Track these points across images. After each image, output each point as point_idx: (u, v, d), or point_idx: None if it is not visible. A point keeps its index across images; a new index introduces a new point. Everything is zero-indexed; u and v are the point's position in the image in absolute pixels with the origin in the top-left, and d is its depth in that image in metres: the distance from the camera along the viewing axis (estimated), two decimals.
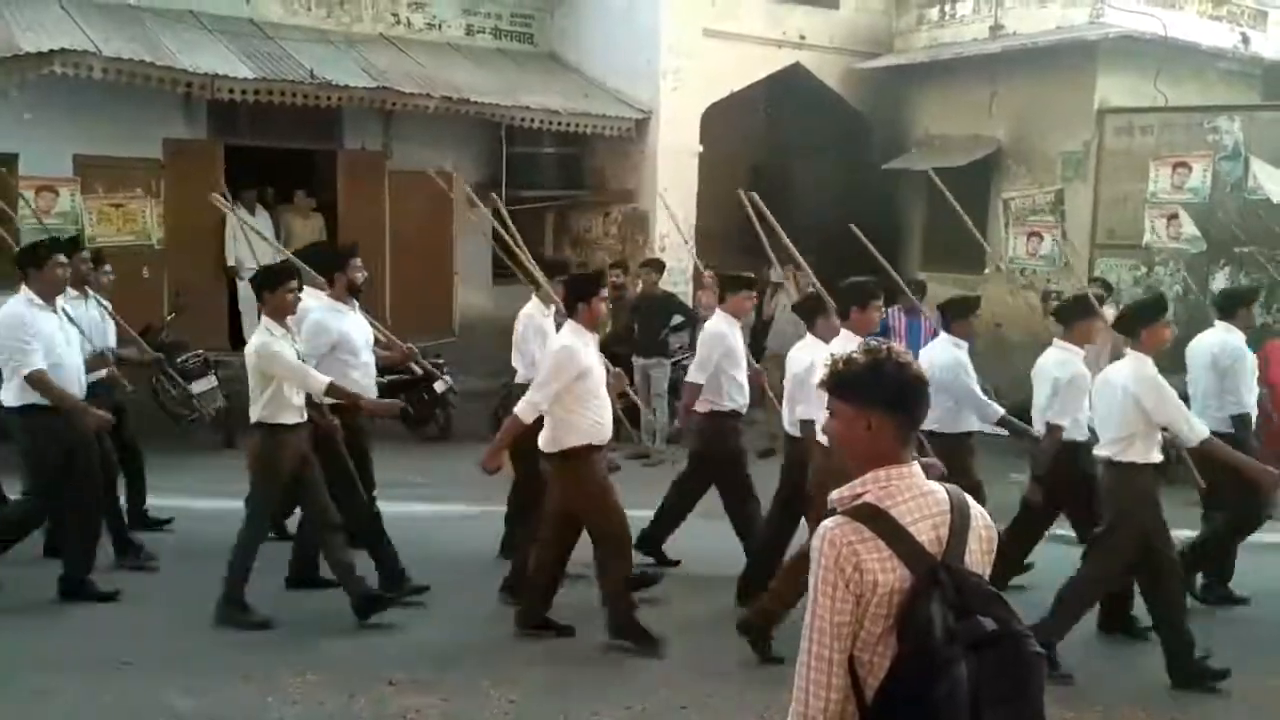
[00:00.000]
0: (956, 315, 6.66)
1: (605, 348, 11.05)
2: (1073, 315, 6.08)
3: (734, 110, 13.15)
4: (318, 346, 6.11)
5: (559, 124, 12.36)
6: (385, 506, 6.66)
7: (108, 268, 7.61)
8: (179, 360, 9.97)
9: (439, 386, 10.58)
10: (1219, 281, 10.86)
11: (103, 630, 5.58)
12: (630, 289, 11.26)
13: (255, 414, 5.66)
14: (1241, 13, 13.57)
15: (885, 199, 13.71)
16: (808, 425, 5.74)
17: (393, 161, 12.76)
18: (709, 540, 6.97)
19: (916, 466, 2.33)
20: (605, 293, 5.75)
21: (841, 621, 2.18)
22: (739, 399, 6.70)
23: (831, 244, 13.40)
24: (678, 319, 10.69)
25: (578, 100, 12.67)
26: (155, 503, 7.45)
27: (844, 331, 5.72)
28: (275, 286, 5.69)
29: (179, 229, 11.10)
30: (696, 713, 4.85)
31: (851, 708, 2.21)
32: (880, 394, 2.29)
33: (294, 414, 5.68)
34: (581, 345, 5.46)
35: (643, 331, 10.31)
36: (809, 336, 6.22)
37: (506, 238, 7.38)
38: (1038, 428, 5.99)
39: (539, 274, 7.08)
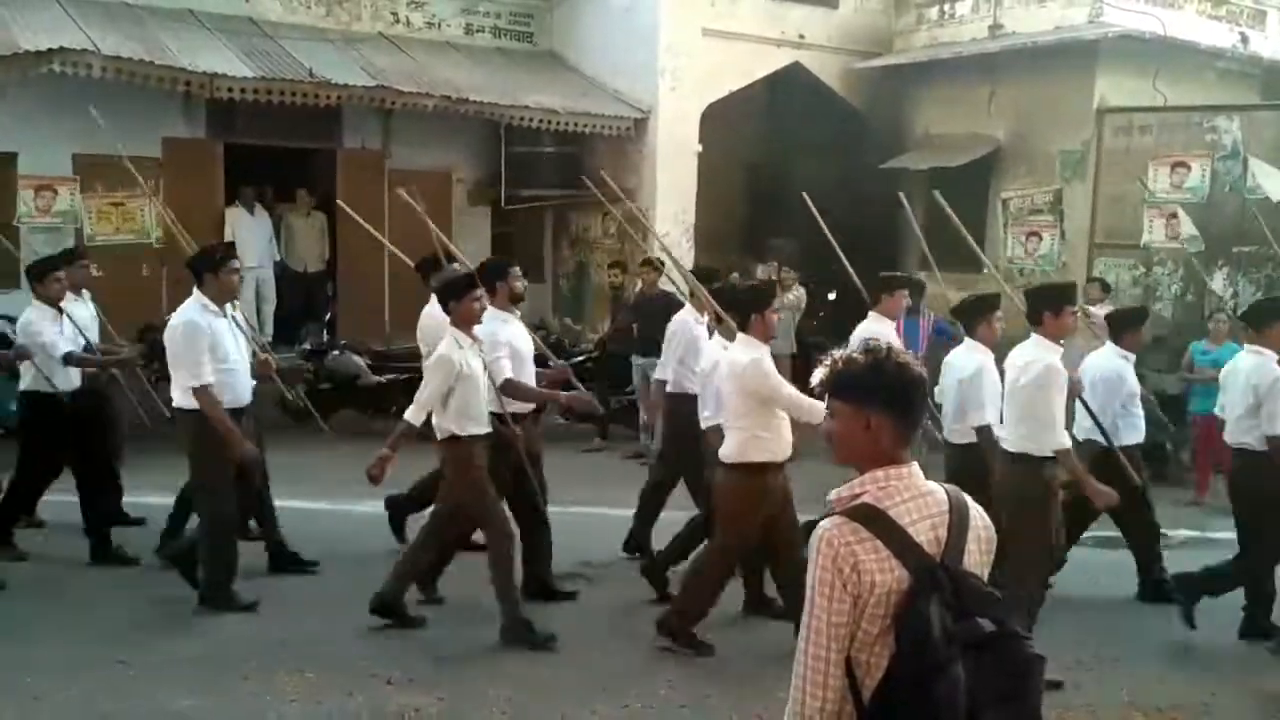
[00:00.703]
0: (1126, 327, 6.55)
1: (604, 347, 11.20)
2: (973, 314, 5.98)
3: (733, 109, 13.15)
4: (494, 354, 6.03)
5: (558, 123, 12.36)
6: (369, 505, 6.72)
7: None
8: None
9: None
10: (1217, 281, 10.86)
11: (99, 631, 5.58)
12: (629, 288, 11.25)
13: (445, 426, 5.57)
14: (1240, 12, 13.58)
15: (884, 198, 13.70)
16: (985, 432, 5.64)
17: (392, 160, 12.76)
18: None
19: (916, 467, 2.33)
20: (775, 304, 5.77)
21: (839, 622, 2.18)
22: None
23: (829, 243, 13.42)
24: None
25: (577, 100, 12.68)
26: (151, 500, 7.44)
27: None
28: (461, 296, 5.65)
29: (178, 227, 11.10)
30: (695, 712, 4.85)
31: (849, 708, 2.20)
32: (880, 394, 2.29)
33: (480, 425, 5.60)
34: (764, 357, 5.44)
35: (642, 331, 10.30)
36: (968, 340, 6.01)
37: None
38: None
39: (694, 282, 7.09)
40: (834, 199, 13.62)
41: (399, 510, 7.02)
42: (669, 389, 6.90)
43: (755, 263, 12.76)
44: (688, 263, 12.69)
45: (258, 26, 12.07)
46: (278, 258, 12.45)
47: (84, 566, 6.44)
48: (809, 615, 2.21)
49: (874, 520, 2.22)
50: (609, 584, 6.54)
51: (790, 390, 5.32)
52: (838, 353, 2.37)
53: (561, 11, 13.94)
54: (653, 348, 10.27)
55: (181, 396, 5.72)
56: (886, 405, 2.28)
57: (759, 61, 13.19)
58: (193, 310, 5.82)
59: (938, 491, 2.32)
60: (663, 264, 11.10)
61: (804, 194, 7.97)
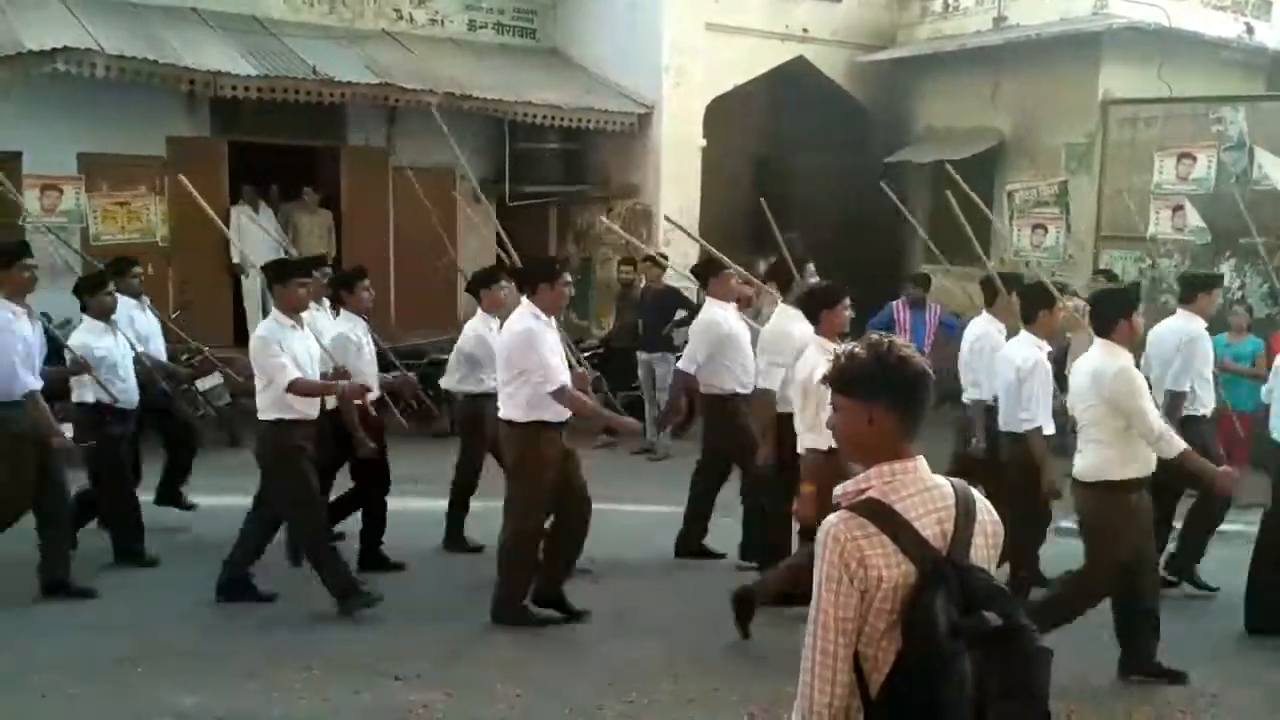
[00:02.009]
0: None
1: (609, 342, 11.19)
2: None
3: (737, 104, 13.13)
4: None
5: (562, 119, 12.35)
6: (392, 502, 6.70)
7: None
8: (184, 357, 9.98)
9: (444, 383, 10.57)
10: (1225, 272, 10.82)
11: (106, 628, 5.59)
12: (636, 284, 11.25)
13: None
14: (1245, 3, 13.51)
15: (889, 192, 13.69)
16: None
17: (396, 157, 12.77)
18: (716, 534, 7.00)
19: (922, 461, 2.32)
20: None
21: (846, 617, 2.18)
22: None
23: (834, 237, 13.43)
24: (681, 313, 10.67)
25: (580, 96, 12.66)
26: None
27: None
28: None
29: (183, 226, 11.12)
30: (702, 706, 4.85)
31: (856, 703, 2.20)
32: (882, 388, 2.28)
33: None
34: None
35: (647, 326, 10.31)
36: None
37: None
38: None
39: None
40: (838, 193, 13.66)
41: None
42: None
43: (761, 258, 12.72)
44: (692, 260, 12.71)
45: (261, 24, 12.07)
46: (283, 256, 12.43)
47: (91, 565, 6.44)
48: (816, 610, 2.21)
49: (880, 515, 2.22)
50: (615, 579, 6.53)
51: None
52: (846, 347, 2.36)
53: (565, 7, 13.93)
54: (657, 343, 10.32)
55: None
56: (889, 399, 2.28)
57: (763, 56, 13.17)
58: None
59: (944, 485, 2.31)
60: (666, 259, 11.11)
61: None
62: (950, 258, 9.48)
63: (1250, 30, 13.23)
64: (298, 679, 4.98)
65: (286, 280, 5.81)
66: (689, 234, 8.41)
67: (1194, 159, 10.63)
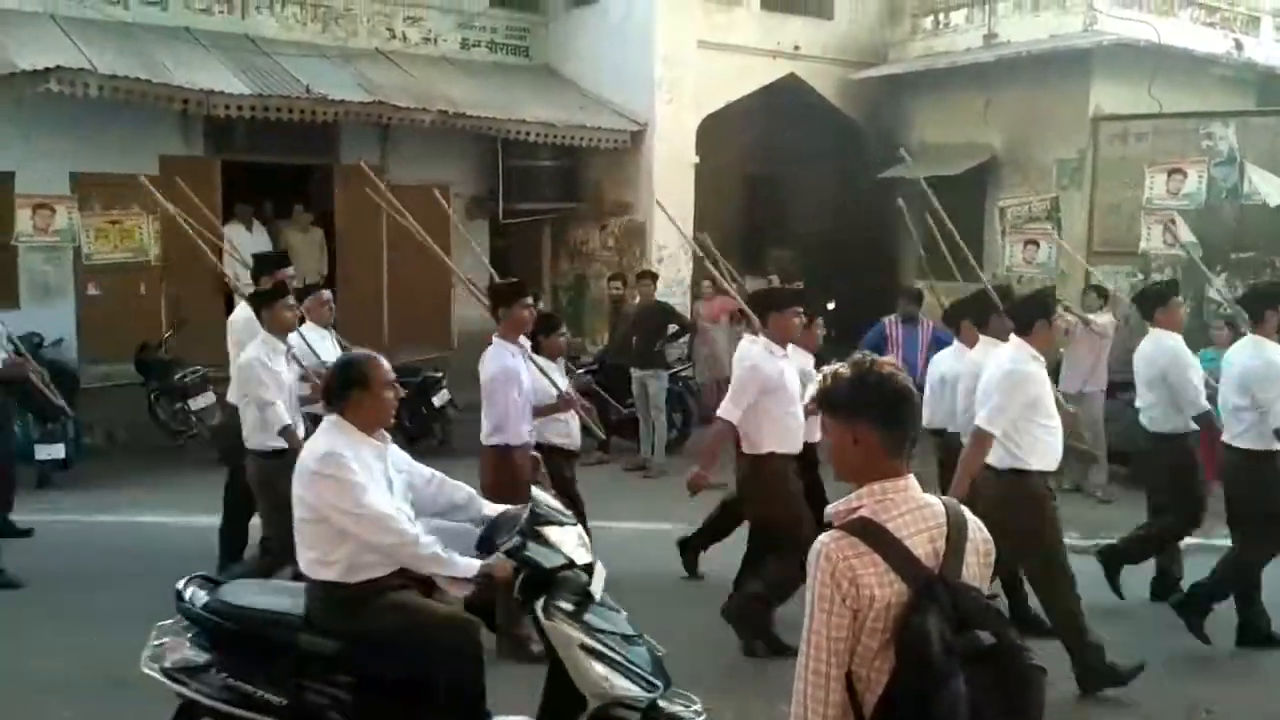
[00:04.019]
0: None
1: (602, 360, 11.19)
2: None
3: (730, 121, 13.18)
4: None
5: (555, 137, 12.39)
6: None
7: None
8: (177, 376, 9.97)
9: (438, 400, 10.58)
10: (1217, 287, 10.85)
11: (96, 649, 5.54)
12: (628, 300, 11.26)
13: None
14: (1234, 19, 13.63)
15: (881, 208, 13.73)
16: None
17: (389, 175, 12.76)
18: (714, 550, 6.98)
19: (913, 479, 2.33)
20: None
21: (838, 637, 2.18)
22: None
23: (827, 253, 13.47)
24: (674, 329, 10.69)
25: (574, 113, 12.71)
26: (149, 519, 7.43)
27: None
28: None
29: (176, 245, 11.11)
30: None
31: None
32: (864, 407, 2.29)
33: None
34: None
35: (640, 343, 10.31)
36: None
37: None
38: None
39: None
40: (831, 209, 13.71)
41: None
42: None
43: (752, 275, 12.75)
44: (685, 276, 12.74)
45: (254, 44, 12.10)
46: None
47: (85, 586, 6.40)
48: (808, 630, 2.21)
49: (872, 534, 2.22)
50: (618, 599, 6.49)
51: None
52: (832, 368, 2.37)
53: (557, 25, 13.99)
54: (650, 359, 10.33)
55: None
56: (871, 418, 2.29)
57: (755, 73, 13.23)
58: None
59: (935, 504, 2.32)
60: (657, 276, 11.13)
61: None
62: (943, 274, 9.51)
63: (1239, 46, 13.34)
64: None
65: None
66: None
67: (1184, 174, 10.70)
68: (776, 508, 5.58)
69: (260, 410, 5.45)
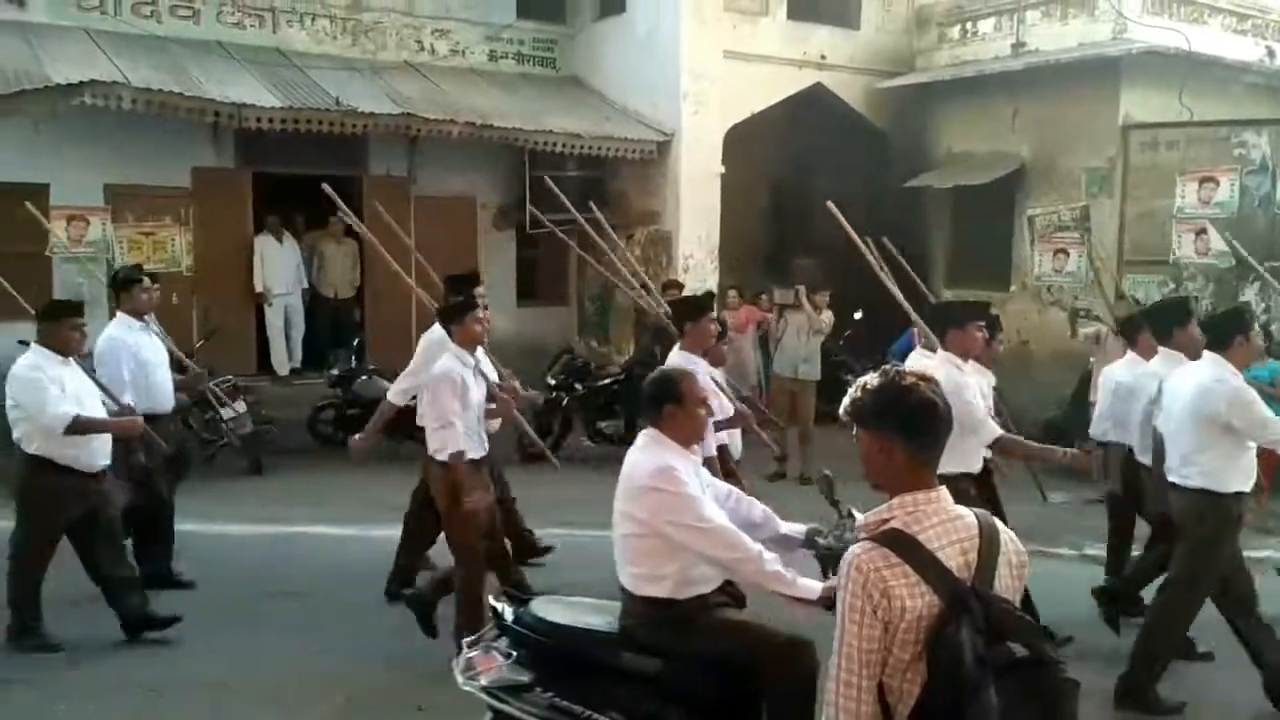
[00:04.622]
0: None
1: (628, 369, 11.20)
2: None
3: (756, 131, 13.19)
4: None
5: (581, 147, 12.44)
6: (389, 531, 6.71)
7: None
8: (208, 386, 10.05)
9: None
10: (1248, 296, 10.75)
11: (127, 657, 5.60)
12: (650, 310, 11.25)
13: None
14: (1266, 26, 13.50)
15: (909, 217, 13.69)
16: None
17: (418, 186, 12.89)
18: None
19: (944, 491, 2.33)
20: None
21: (870, 648, 2.17)
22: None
23: (853, 263, 13.40)
24: None
25: (600, 124, 12.76)
26: (184, 528, 7.47)
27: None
28: (698, 317, 5.78)
29: (208, 256, 11.25)
30: None
31: None
32: (889, 419, 2.31)
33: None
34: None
35: (665, 352, 10.30)
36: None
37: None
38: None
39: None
40: (858, 218, 13.64)
41: None
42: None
43: (777, 285, 12.74)
44: (711, 285, 12.73)
45: (285, 57, 12.23)
46: (305, 285, 12.56)
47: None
48: (839, 642, 2.21)
49: (903, 545, 2.22)
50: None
51: None
52: (862, 379, 2.39)
53: (584, 37, 14.05)
54: None
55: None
56: (897, 429, 2.30)
57: (781, 83, 13.23)
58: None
59: (967, 516, 2.31)
60: (683, 285, 11.13)
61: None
62: (971, 282, 9.46)
63: (1271, 54, 13.21)
64: (321, 709, 4.98)
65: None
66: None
67: (1216, 183, 10.60)
68: None
69: (440, 423, 5.37)
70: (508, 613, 3.70)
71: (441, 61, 13.31)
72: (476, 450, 5.47)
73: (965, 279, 12.92)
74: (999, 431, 5.28)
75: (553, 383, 11.29)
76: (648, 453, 3.65)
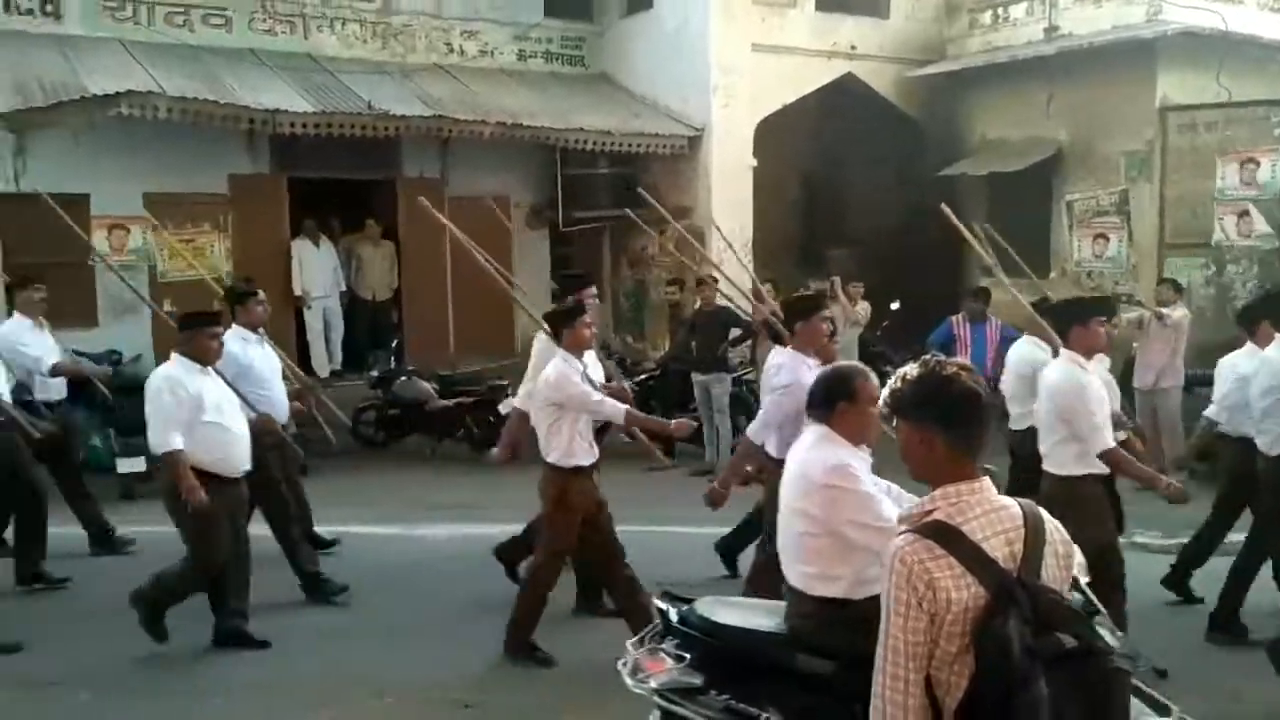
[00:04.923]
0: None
1: (664, 365, 11.21)
2: None
3: (787, 123, 13.14)
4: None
5: (612, 144, 12.44)
6: (452, 527, 6.72)
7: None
8: None
9: (503, 408, 10.67)
10: None
11: (174, 659, 5.67)
12: (686, 305, 11.27)
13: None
14: None
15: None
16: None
17: (450, 187, 12.95)
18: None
19: (988, 481, 2.31)
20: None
21: (916, 641, 2.16)
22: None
23: (889, 252, 13.35)
24: (736, 332, 10.66)
25: (630, 120, 12.76)
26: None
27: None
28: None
29: (246, 261, 11.36)
30: None
31: None
32: (928, 410, 2.30)
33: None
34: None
35: (701, 347, 10.30)
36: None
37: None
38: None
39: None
40: (892, 208, 13.59)
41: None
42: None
43: (813, 276, 12.69)
44: (745, 278, 12.71)
45: (316, 62, 12.32)
46: (343, 287, 12.67)
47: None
48: (885, 634, 2.20)
49: (947, 537, 2.20)
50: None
51: None
52: (901, 370, 2.38)
53: (612, 34, 14.05)
54: (712, 363, 10.31)
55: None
56: (936, 420, 2.29)
57: (811, 74, 13.17)
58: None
59: (1011, 506, 2.30)
60: (716, 280, 11.10)
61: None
62: (1008, 270, 9.37)
63: None
64: (371, 707, 5.02)
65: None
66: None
67: (1257, 163, 10.43)
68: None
69: (554, 427, 5.36)
70: (672, 613, 3.63)
71: (471, 62, 13.36)
72: (587, 456, 5.45)
73: (1002, 267, 12.77)
74: (1111, 443, 5.06)
75: None
76: (820, 450, 3.56)
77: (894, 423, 2.39)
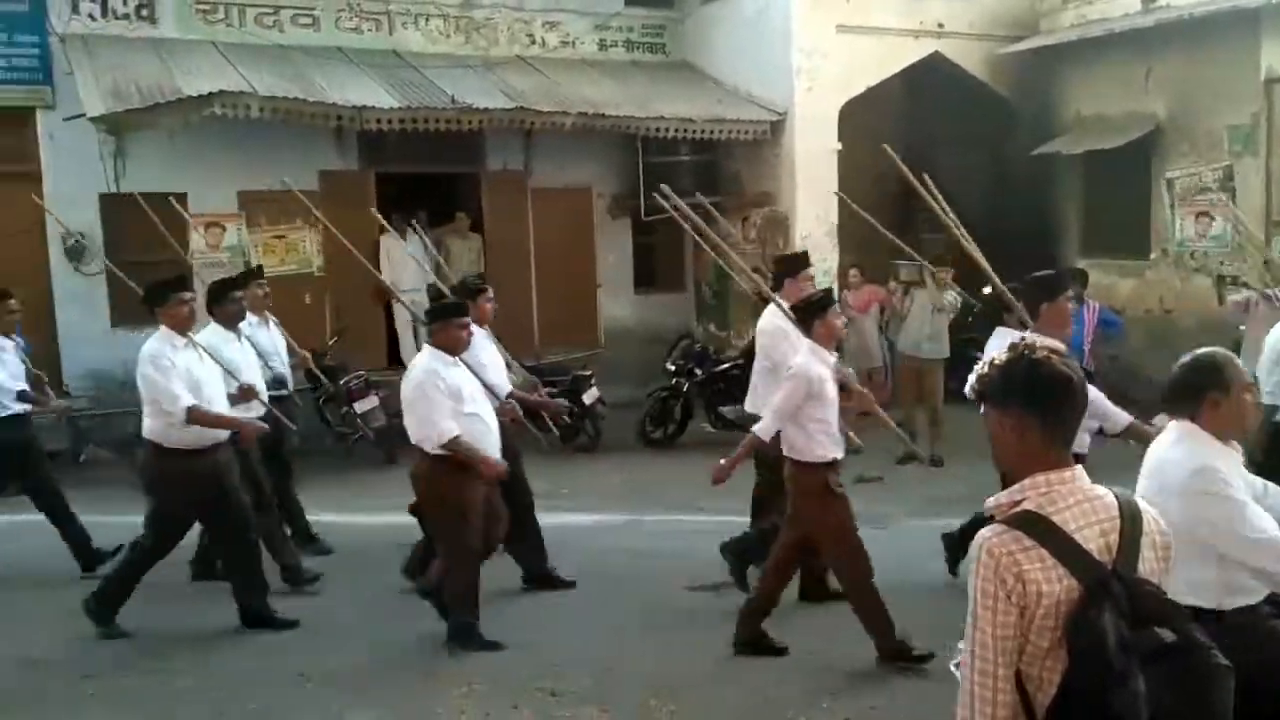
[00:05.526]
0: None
1: (748, 353, 11.11)
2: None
3: (872, 105, 12.90)
4: None
5: (694, 132, 12.37)
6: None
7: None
8: (342, 381, 10.39)
9: (587, 398, 10.72)
10: None
11: (268, 644, 5.82)
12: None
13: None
14: None
15: (1037, 186, 13.22)
16: None
17: (533, 179, 13.04)
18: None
19: (1081, 470, 2.22)
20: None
21: (1005, 635, 2.09)
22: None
23: (981, 234, 12.99)
24: None
25: (712, 107, 12.67)
26: (317, 519, 7.73)
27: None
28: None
29: (337, 256, 11.58)
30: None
31: None
32: (1016, 396, 2.21)
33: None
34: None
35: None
36: None
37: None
38: None
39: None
40: (985, 188, 13.27)
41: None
42: None
43: (903, 260, 12.44)
44: (832, 265, 12.53)
45: (401, 58, 12.49)
46: (432, 280, 12.83)
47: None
48: (972, 629, 2.13)
49: (1038, 528, 2.13)
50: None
51: None
52: (990, 355, 2.30)
53: (693, 20, 13.96)
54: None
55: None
56: (1024, 406, 2.20)
57: (897, 54, 12.90)
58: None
59: (1106, 496, 2.21)
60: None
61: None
62: (1107, 251, 9.06)
63: None
64: (458, 694, 5.08)
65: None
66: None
67: None
68: None
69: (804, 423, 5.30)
70: None
71: (552, 54, 13.40)
72: (836, 450, 5.34)
73: (1100, 248, 12.39)
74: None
75: (672, 369, 11.30)
76: (1183, 449, 3.20)
77: (981, 409, 2.31)
